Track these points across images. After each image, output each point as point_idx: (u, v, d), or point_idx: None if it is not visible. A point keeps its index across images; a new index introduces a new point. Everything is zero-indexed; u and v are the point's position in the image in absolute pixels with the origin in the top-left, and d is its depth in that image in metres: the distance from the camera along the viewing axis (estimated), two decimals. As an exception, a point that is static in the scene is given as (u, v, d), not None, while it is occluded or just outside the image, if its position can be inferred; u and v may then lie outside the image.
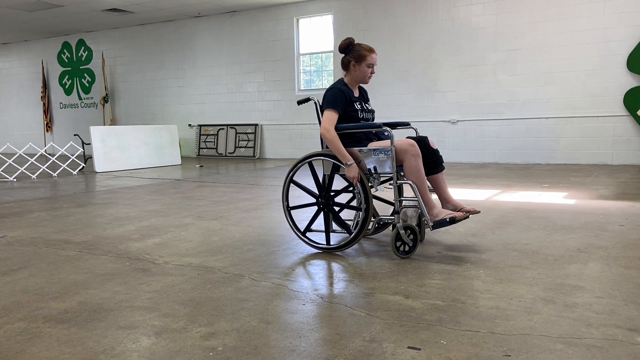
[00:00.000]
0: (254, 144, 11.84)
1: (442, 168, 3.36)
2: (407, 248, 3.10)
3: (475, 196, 5.46)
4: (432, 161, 3.31)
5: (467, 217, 3.16)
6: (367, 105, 3.50)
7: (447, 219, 3.02)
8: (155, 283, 2.71)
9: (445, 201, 3.33)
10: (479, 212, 3.27)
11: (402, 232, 3.05)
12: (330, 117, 3.21)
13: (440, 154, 3.39)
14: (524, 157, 9.12)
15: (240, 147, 12.05)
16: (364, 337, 1.96)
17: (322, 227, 3.35)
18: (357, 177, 3.10)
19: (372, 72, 3.42)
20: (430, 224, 3.02)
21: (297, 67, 11.33)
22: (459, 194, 5.64)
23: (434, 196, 3.30)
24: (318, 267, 2.97)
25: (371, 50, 3.41)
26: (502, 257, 3.06)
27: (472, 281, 2.63)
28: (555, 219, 4.15)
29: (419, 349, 1.85)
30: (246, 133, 12.02)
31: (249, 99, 11.94)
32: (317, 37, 11.15)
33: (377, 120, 3.44)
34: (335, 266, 2.98)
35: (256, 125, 11.86)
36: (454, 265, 2.91)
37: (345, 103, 3.28)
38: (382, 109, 10.01)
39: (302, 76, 11.41)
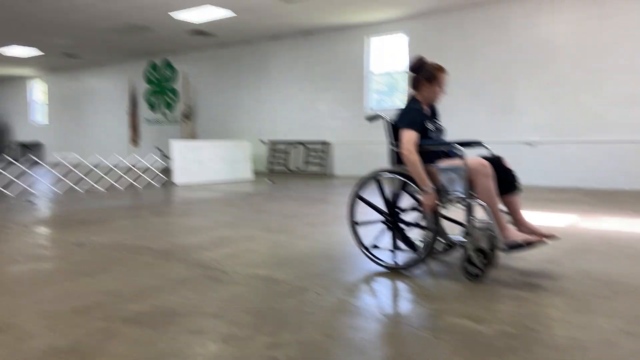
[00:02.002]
0: (324, 161, 11.97)
1: (518, 189, 3.23)
2: (477, 271, 2.99)
3: (553, 222, 5.19)
4: (507, 182, 3.19)
5: (544, 242, 3.01)
6: (438, 123, 3.46)
7: (522, 243, 2.89)
8: (224, 291, 2.79)
9: (520, 224, 3.19)
10: (557, 237, 3.11)
11: (472, 254, 2.95)
12: (412, 137, 3.15)
13: (515, 175, 3.26)
14: (607, 182, 8.56)
15: (310, 163, 12.22)
16: None
17: (389, 245, 3.32)
18: (433, 206, 3.04)
19: (444, 92, 3.38)
20: (504, 247, 2.91)
21: (368, 86, 11.39)
22: (535, 218, 5.38)
23: (508, 219, 3.18)
24: (383, 285, 2.94)
25: (442, 70, 3.37)
26: (580, 286, 2.88)
27: (547, 309, 2.49)
28: (642, 249, 3.85)
29: (486, 375, 1.78)
30: (316, 150, 12.19)
31: (320, 116, 12.13)
32: (390, 57, 11.17)
33: (448, 140, 3.37)
34: (401, 285, 2.94)
35: (326, 142, 12.00)
36: (528, 292, 2.77)
37: (421, 124, 3.26)
38: (455, 128, 9.75)
39: (373, 95, 11.45)
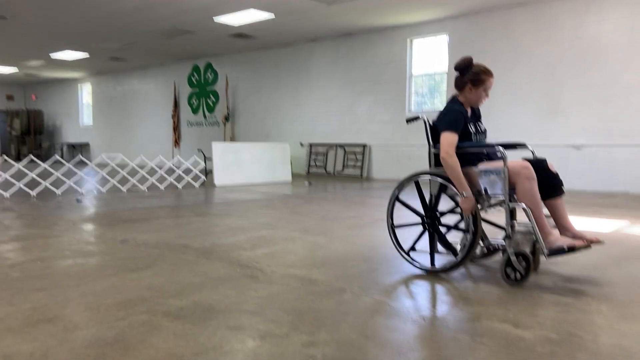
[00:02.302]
0: (362, 163, 11.95)
1: (562, 193, 3.13)
2: (518, 275, 2.92)
3: (600, 227, 5.00)
4: (551, 185, 3.10)
5: (589, 247, 2.91)
6: (480, 125, 3.39)
7: (565, 248, 2.81)
8: (262, 290, 2.83)
9: (563, 229, 3.10)
10: (602, 242, 3.00)
11: (513, 258, 2.89)
12: (451, 139, 3.09)
13: (560, 178, 3.16)
14: (661, 188, 8.18)
15: (349, 166, 12.22)
16: (466, 362, 1.89)
17: (427, 248, 3.28)
18: (472, 210, 2.99)
19: (487, 96, 3.31)
20: (545, 251, 2.83)
21: (409, 88, 11.29)
22: (582, 223, 5.20)
23: (552, 223, 3.09)
24: (421, 288, 2.91)
25: (490, 74, 3.28)
26: (627, 293, 2.77)
27: (591, 316, 2.41)
28: (697, 257, 3.67)
29: (527, 381, 1.74)
30: (354, 153, 12.17)
31: (359, 119, 12.10)
32: (431, 58, 11.05)
33: (489, 141, 3.30)
34: (439, 288, 2.90)
35: (365, 145, 11.96)
36: (572, 298, 2.69)
37: (462, 126, 3.20)
38: (498, 130, 9.58)
39: (413, 97, 11.35)
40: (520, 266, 2.89)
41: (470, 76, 3.26)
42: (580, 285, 2.93)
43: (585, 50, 8.82)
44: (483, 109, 3.50)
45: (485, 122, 3.57)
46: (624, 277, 3.11)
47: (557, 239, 2.90)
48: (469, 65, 3.28)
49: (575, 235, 3.01)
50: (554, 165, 3.20)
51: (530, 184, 2.93)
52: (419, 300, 2.68)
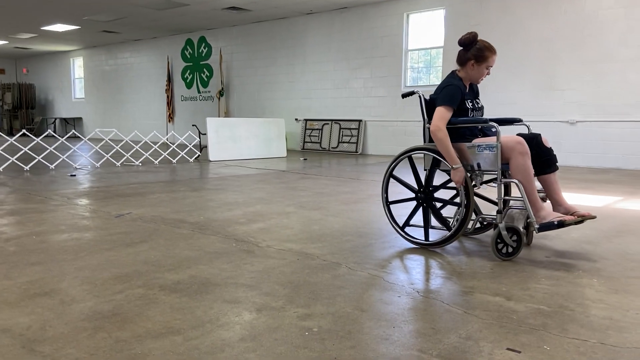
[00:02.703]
0: (357, 139, 11.92)
1: (556, 168, 3.14)
2: (509, 250, 2.96)
3: (593, 202, 5.05)
4: (545, 160, 3.11)
5: (581, 221, 2.94)
6: (477, 101, 3.37)
7: (555, 222, 2.83)
8: (258, 264, 2.85)
9: (556, 204, 3.12)
10: (594, 217, 3.03)
11: (504, 232, 2.91)
12: (444, 114, 3.09)
13: (555, 153, 3.17)
14: (654, 164, 8.23)
15: (344, 142, 12.19)
16: (460, 334, 1.92)
17: (421, 223, 3.30)
18: (462, 182, 3.01)
19: (488, 74, 3.29)
20: (536, 226, 2.86)
21: (405, 63, 11.20)
22: (575, 199, 5.24)
23: (546, 200, 3.11)
24: (415, 262, 2.94)
25: (494, 52, 3.24)
26: (619, 267, 2.81)
27: (583, 289, 2.45)
28: (687, 232, 3.72)
29: (519, 352, 1.77)
30: (350, 128, 12.13)
31: (355, 94, 12.03)
32: (427, 33, 10.93)
33: (486, 117, 3.29)
34: (433, 262, 2.93)
35: (360, 121, 11.92)
36: (564, 272, 2.72)
37: (460, 100, 3.18)
38: (494, 106, 9.57)
39: (409, 72, 11.27)
40: (511, 241, 2.92)
41: (474, 52, 3.22)
42: (572, 259, 2.96)
43: (581, 25, 8.76)
44: (480, 84, 3.48)
45: (481, 98, 3.56)
46: (615, 252, 3.15)
47: (549, 214, 2.93)
48: (474, 41, 3.24)
49: (568, 211, 3.04)
50: (548, 140, 3.20)
51: (524, 159, 2.93)
52: (413, 274, 2.71)
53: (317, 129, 12.76)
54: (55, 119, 20.04)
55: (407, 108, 10.90)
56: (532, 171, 2.97)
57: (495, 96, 9.62)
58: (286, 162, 9.67)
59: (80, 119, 19.71)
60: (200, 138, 10.46)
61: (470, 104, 3.26)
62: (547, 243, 3.36)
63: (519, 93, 9.50)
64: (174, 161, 9.28)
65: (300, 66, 12.97)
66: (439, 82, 3.40)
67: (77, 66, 19.97)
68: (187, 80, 15.80)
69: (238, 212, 4.41)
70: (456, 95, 3.15)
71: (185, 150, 10.20)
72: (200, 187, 6.08)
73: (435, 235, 3.36)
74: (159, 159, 9.29)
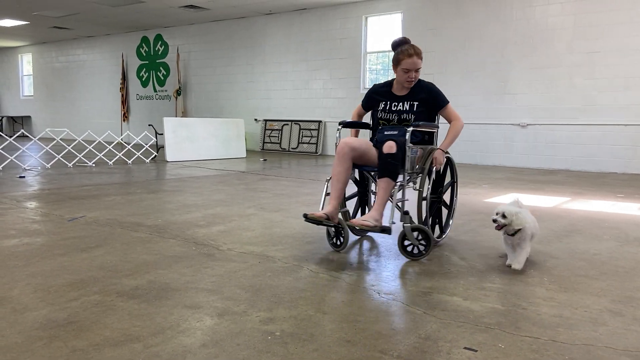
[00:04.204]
0: (317, 140, 11.97)
1: (379, 175, 3.07)
2: (419, 249, 3.06)
3: (543, 202, 5.26)
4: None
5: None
6: (397, 104, 3.36)
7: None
8: (219, 268, 2.83)
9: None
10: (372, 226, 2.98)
11: (408, 232, 3.03)
12: (354, 111, 3.78)
13: (389, 160, 3.02)
14: (598, 165, 8.66)
15: (304, 143, 12.22)
16: (419, 335, 1.97)
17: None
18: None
19: (409, 77, 3.28)
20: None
21: (364, 65, 11.33)
22: (526, 200, 5.45)
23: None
24: (376, 264, 2.98)
25: (410, 55, 3.24)
26: (568, 266, 2.95)
27: (534, 288, 2.55)
28: (628, 231, 3.93)
29: (476, 351, 1.84)
30: (309, 129, 12.17)
31: (314, 95, 12.08)
32: (385, 36, 11.09)
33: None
34: (393, 264, 2.99)
35: (320, 122, 11.97)
36: (516, 271, 2.83)
37: (370, 100, 3.53)
38: (448, 109, 9.82)
39: (367, 74, 11.41)
40: (417, 241, 3.04)
41: (393, 56, 3.38)
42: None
43: (532, 32, 9.11)
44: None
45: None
46: (565, 251, 3.30)
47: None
48: (397, 45, 3.38)
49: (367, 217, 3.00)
50: (390, 146, 3.04)
51: (334, 162, 3.21)
52: (373, 275, 2.75)
53: (276, 130, 12.73)
54: (2, 117, 19.16)
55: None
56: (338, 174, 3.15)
57: (450, 99, 9.86)
58: (246, 162, 9.61)
59: (29, 117, 18.92)
60: (157, 138, 10.24)
61: (383, 105, 3.41)
62: (500, 244, 3.48)
63: (473, 96, 9.78)
64: (130, 162, 9.05)
65: (260, 66, 12.91)
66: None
67: (26, 62, 19.16)
68: (143, 79, 15.43)
69: (197, 215, 4.35)
70: (365, 97, 3.61)
71: (142, 151, 9.96)
72: (157, 188, 5.96)
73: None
74: (114, 159, 9.04)
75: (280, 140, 12.63)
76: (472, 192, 5.90)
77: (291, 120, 12.49)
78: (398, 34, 10.71)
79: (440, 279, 2.68)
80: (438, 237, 3.47)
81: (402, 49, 3.31)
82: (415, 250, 3.07)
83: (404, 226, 3.04)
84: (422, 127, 3.23)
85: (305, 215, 3.05)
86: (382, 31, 11.13)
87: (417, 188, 3.24)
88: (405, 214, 3.06)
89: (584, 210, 4.83)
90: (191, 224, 3.96)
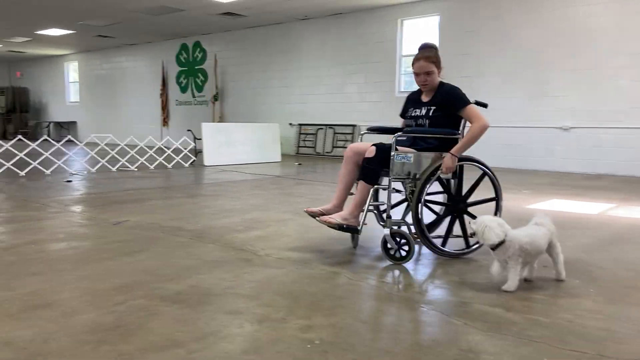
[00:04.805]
0: (351, 144, 11.95)
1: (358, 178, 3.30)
2: (400, 254, 3.10)
3: (587, 209, 5.10)
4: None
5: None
6: (419, 110, 3.40)
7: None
8: (257, 273, 2.86)
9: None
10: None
11: (388, 237, 3.10)
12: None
13: (366, 165, 3.22)
14: (646, 170, 8.33)
15: (338, 147, 12.23)
16: (460, 347, 1.94)
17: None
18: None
19: (420, 81, 3.35)
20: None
21: (399, 68, 11.26)
22: (568, 206, 5.30)
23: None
24: (414, 272, 2.96)
25: (417, 59, 3.35)
26: (615, 277, 2.85)
27: (580, 299, 2.48)
28: (680, 240, 3.77)
29: (519, 364, 1.80)
30: (344, 133, 12.17)
31: (349, 99, 12.08)
32: (421, 39, 11.00)
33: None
34: (431, 273, 2.96)
35: (354, 125, 11.96)
36: (560, 282, 2.76)
37: (404, 108, 3.57)
38: (487, 112, 9.62)
39: (403, 78, 11.33)
40: (396, 244, 3.09)
41: None
42: (568, 268, 2.99)
43: (574, 33, 8.85)
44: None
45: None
46: (611, 260, 3.19)
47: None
48: (419, 50, 3.48)
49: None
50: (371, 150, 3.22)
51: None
52: (412, 284, 2.73)
53: (311, 134, 12.79)
54: (50, 122, 19.95)
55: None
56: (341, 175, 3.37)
57: (488, 102, 9.65)
58: (281, 167, 9.69)
59: (74, 122, 19.63)
60: (195, 143, 10.45)
61: (410, 112, 3.47)
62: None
63: (512, 99, 9.57)
64: (170, 166, 9.27)
65: (295, 71, 13.01)
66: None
67: (72, 70, 19.91)
68: (182, 85, 15.79)
69: (235, 219, 4.42)
70: (403, 104, 3.58)
71: (181, 156, 10.19)
72: (196, 193, 6.08)
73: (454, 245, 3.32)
74: (155, 164, 9.28)
75: (315, 145, 12.68)
76: (512, 198, 5.78)
77: (326, 125, 12.53)
78: (434, 37, 10.59)
79: (480, 289, 2.64)
80: (461, 250, 3.27)
81: (415, 55, 3.43)
82: (398, 255, 3.11)
83: (384, 230, 3.11)
84: (417, 132, 3.30)
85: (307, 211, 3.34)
86: (418, 34, 11.04)
87: (411, 191, 3.21)
88: (388, 217, 3.13)
89: (631, 218, 4.65)
90: (229, 229, 4.03)
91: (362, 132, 3.42)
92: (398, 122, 3.69)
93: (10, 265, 2.97)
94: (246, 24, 13.26)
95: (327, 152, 12.43)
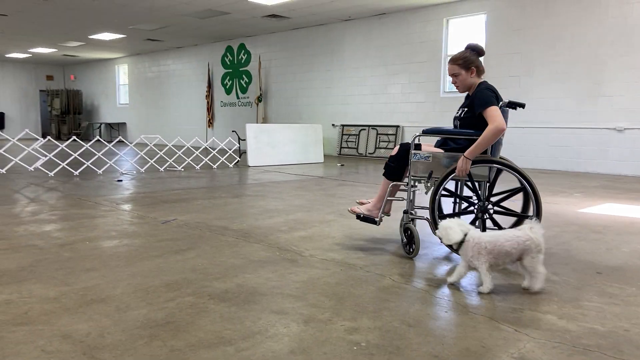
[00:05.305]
0: (395, 145, 11.85)
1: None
2: (410, 249, 3.26)
3: (643, 214, 4.87)
4: None
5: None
6: (458, 111, 3.48)
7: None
8: (302, 274, 2.88)
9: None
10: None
11: (400, 230, 3.35)
12: None
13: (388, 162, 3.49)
14: None
15: (381, 147, 12.15)
16: (511, 354, 1.89)
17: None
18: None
19: (452, 83, 3.44)
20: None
21: (444, 69, 11.08)
22: (623, 210, 5.08)
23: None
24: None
25: (449, 61, 3.43)
26: (677, 286, 2.71)
27: (637, 308, 2.37)
28: None
29: (574, 375, 1.74)
30: (387, 134, 12.09)
31: (392, 100, 11.98)
32: (467, 38, 10.78)
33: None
34: (479, 277, 2.89)
35: (398, 126, 11.86)
36: (617, 289, 2.64)
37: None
38: (537, 112, 9.37)
39: (448, 78, 11.14)
40: (407, 238, 3.29)
41: None
42: (624, 275, 2.87)
43: (630, 30, 8.47)
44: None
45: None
46: (671, 269, 3.03)
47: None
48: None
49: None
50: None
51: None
52: (459, 289, 2.68)
53: (354, 135, 12.77)
54: (101, 124, 20.74)
55: (445, 114, 10.78)
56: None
57: (537, 102, 9.40)
58: (323, 168, 9.72)
59: (124, 123, 20.33)
60: (239, 144, 10.63)
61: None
62: (597, 258, 3.26)
63: (563, 99, 9.25)
64: (215, 167, 9.46)
65: (338, 72, 13.02)
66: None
67: (122, 73, 20.62)
68: (227, 87, 16.09)
69: (279, 220, 4.46)
70: None
71: (226, 156, 10.38)
72: (240, 193, 6.18)
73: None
74: (200, 164, 9.49)
75: (357, 145, 12.65)
76: (564, 202, 5.58)
77: (368, 125, 12.48)
78: (480, 36, 10.37)
79: (531, 295, 2.56)
80: None
81: None
82: (407, 249, 3.30)
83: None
84: (439, 133, 3.36)
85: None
86: (463, 34, 10.84)
87: (428, 187, 3.33)
88: (404, 212, 3.33)
89: (693, 224, 4.41)
90: (274, 229, 4.07)
91: (416, 135, 3.35)
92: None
93: (67, 261, 3.11)
94: (290, 26, 13.38)
95: (369, 153, 12.37)
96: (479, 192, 3.26)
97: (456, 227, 2.63)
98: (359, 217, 3.48)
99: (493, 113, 3.11)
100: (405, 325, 2.16)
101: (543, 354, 1.89)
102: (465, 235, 2.61)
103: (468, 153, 3.11)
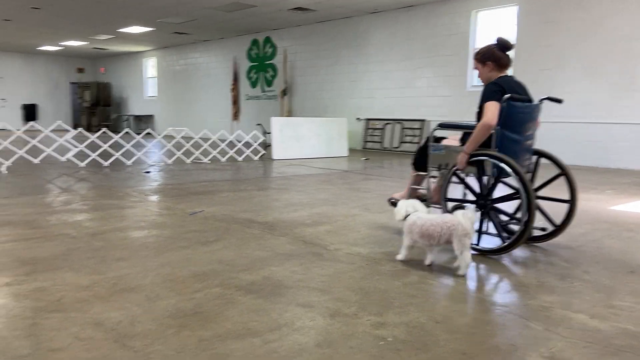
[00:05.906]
0: (420, 139, 11.75)
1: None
2: None
3: (679, 213, 4.72)
4: None
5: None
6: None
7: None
8: (328, 268, 2.89)
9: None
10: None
11: None
12: None
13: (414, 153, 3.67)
14: None
15: (406, 142, 12.06)
16: (541, 353, 1.86)
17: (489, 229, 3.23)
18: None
19: (478, 76, 3.59)
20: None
21: (471, 62, 10.90)
22: (657, 208, 4.93)
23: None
24: (488, 272, 2.87)
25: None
26: None
27: (673, 310, 2.30)
28: None
29: (606, 376, 1.70)
30: (412, 128, 11.98)
31: (418, 94, 11.86)
32: (497, 31, 10.58)
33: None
34: (508, 273, 2.85)
35: (423, 120, 11.74)
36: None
37: None
38: (569, 106, 9.14)
39: (474, 72, 10.96)
40: None
41: None
42: (659, 277, 2.80)
43: (669, 22, 8.18)
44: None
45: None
46: None
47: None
48: None
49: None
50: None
51: None
52: (487, 285, 2.65)
53: (378, 129, 12.70)
54: (129, 116, 21.09)
55: (471, 108, 10.59)
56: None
57: (569, 96, 9.16)
58: (348, 161, 9.70)
59: (152, 116, 20.64)
60: (265, 137, 10.68)
61: None
62: (629, 257, 3.18)
63: (595, 94, 9.02)
64: (240, 159, 9.53)
65: (363, 65, 12.94)
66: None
67: (150, 66, 20.91)
68: (252, 80, 16.16)
69: (304, 213, 4.47)
70: None
71: (251, 149, 10.45)
72: (266, 186, 6.22)
73: (493, 242, 3.23)
74: (226, 157, 9.58)
75: (382, 139, 12.58)
76: (595, 199, 5.45)
77: (393, 119, 12.38)
78: (511, 29, 10.16)
79: (561, 293, 2.52)
80: (491, 251, 3.17)
81: None
82: None
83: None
84: (450, 127, 3.65)
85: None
86: (494, 26, 10.63)
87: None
88: (422, 200, 3.37)
89: None
90: (299, 223, 4.08)
91: (434, 128, 3.42)
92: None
93: (99, 250, 3.18)
94: (315, 19, 13.34)
95: (394, 147, 12.29)
96: (482, 188, 3.30)
97: (403, 208, 3.02)
98: (389, 201, 3.99)
99: (487, 108, 3.17)
100: (432, 321, 2.15)
101: (574, 354, 1.85)
102: (407, 216, 2.98)
103: (466, 147, 3.24)
